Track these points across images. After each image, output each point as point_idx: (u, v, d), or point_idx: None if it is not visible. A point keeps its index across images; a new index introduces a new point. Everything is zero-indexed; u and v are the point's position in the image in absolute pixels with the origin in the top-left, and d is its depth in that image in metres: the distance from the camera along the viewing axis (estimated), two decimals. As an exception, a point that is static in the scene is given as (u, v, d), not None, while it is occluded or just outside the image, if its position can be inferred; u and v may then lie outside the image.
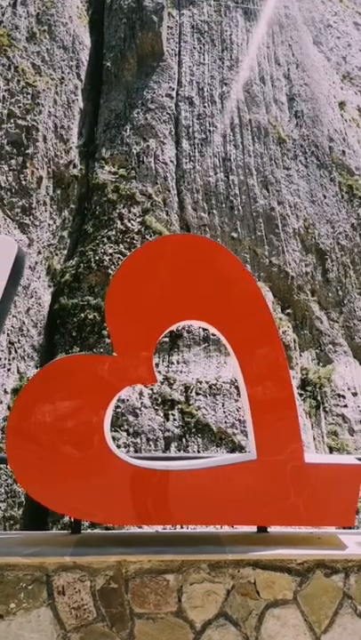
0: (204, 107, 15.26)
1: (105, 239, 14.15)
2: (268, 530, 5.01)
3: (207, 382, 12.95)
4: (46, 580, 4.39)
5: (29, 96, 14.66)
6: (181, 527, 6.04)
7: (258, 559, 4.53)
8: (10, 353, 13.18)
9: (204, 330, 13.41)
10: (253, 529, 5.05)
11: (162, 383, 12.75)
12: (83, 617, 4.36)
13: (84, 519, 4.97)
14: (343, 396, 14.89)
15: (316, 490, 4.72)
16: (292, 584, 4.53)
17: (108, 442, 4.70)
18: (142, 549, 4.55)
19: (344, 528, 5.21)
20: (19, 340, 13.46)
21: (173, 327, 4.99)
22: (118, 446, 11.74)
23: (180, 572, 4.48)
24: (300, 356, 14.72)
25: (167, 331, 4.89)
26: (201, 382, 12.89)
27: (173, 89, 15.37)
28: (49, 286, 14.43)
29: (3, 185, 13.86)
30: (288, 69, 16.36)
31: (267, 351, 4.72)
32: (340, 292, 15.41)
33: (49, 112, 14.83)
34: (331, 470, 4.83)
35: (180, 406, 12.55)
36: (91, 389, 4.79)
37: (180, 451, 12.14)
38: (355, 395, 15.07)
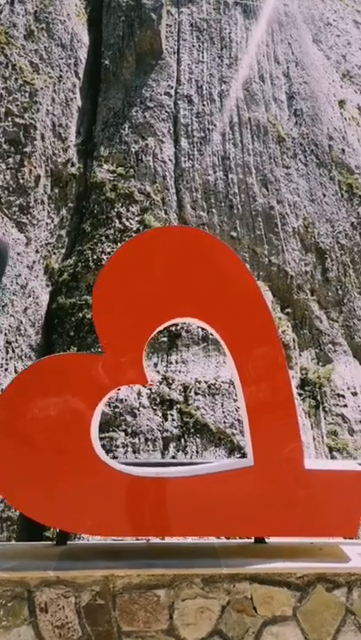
0: (203, 105, 14.90)
1: (103, 238, 13.81)
2: (266, 540, 4.63)
3: (206, 382, 12.65)
4: (28, 597, 4.02)
5: (27, 94, 14.31)
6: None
7: (255, 573, 4.15)
8: (7, 352, 12.86)
9: (203, 329, 13.10)
10: (250, 539, 4.68)
11: (160, 383, 12.46)
12: (67, 636, 3.98)
13: (66, 530, 4.58)
14: (343, 396, 14.54)
15: (316, 498, 4.35)
16: (291, 599, 4.16)
17: (95, 446, 4.33)
18: (131, 562, 4.17)
19: (345, 538, 4.82)
20: (16, 339, 13.14)
21: (166, 325, 4.61)
22: (116, 446, 11.44)
23: (171, 588, 4.11)
24: (300, 355, 14.36)
25: (160, 329, 4.51)
26: (200, 382, 12.58)
27: (172, 87, 15.00)
28: (47, 285, 14.09)
29: (0, 183, 13.53)
30: (288, 68, 15.98)
31: (265, 351, 4.35)
32: (340, 292, 15.05)
33: (47, 110, 14.49)
34: (333, 477, 4.46)
35: (178, 406, 12.24)
36: (78, 390, 4.42)
37: (178, 451, 11.83)
38: (355, 394, 14.72)
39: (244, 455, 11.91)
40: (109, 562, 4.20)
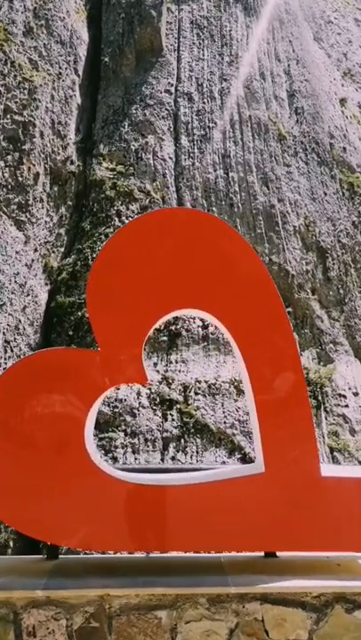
0: (204, 103, 14.43)
1: (103, 236, 13.40)
2: (278, 554, 4.12)
3: (206, 382, 12.29)
4: (14, 619, 3.51)
5: (26, 91, 13.88)
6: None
7: (266, 592, 3.64)
8: (5, 352, 12.46)
9: (204, 328, 12.77)
10: (260, 553, 4.17)
11: (160, 383, 12.11)
12: (57, 664, 3.47)
13: (55, 543, 4.06)
14: (344, 396, 14.12)
15: (334, 508, 3.83)
16: (307, 621, 3.64)
17: (90, 450, 3.82)
18: (129, 580, 3.66)
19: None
20: (14, 338, 12.76)
21: (169, 317, 4.10)
22: (115, 447, 11.12)
23: (173, 608, 3.59)
24: (301, 355, 13.92)
25: (162, 322, 4.01)
26: (200, 382, 12.22)
27: (172, 85, 14.55)
28: (45, 284, 13.68)
29: (-1, 181, 13.15)
30: (288, 65, 15.53)
31: (278, 348, 3.83)
32: (341, 291, 14.60)
33: (46, 108, 14.05)
34: (352, 485, 3.94)
35: (178, 406, 11.89)
36: (71, 389, 3.91)
37: (178, 451, 11.47)
38: (356, 395, 14.29)
39: (244, 456, 11.52)
40: (105, 579, 3.70)
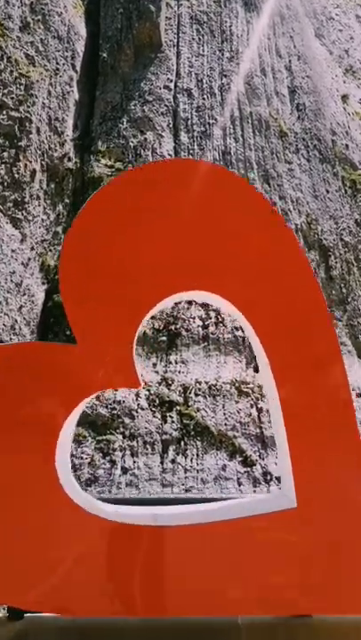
0: (204, 99, 13.44)
1: (101, 235, 12.39)
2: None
3: (207, 383, 11.48)
4: None
5: (23, 87, 12.94)
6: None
7: (300, 670, 2.53)
8: (1, 352, 11.48)
9: (204, 328, 11.88)
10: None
11: (159, 384, 11.30)
12: None
13: (12, 604, 2.91)
14: (347, 397, 13.11)
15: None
16: None
17: (62, 477, 2.72)
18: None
19: None
20: (11, 338, 11.90)
21: (168, 303, 2.99)
22: (113, 450, 10.33)
23: None
24: (303, 355, 12.88)
25: (158, 308, 2.90)
26: (200, 383, 11.40)
27: (172, 81, 13.59)
28: (42, 283, 12.76)
29: (-6, 178, 12.24)
30: (289, 61, 14.57)
31: (314, 344, 2.73)
32: (344, 290, 13.60)
33: (43, 104, 13.10)
34: None
35: (178, 408, 11.12)
36: (43, 394, 2.80)
37: (178, 454, 10.66)
38: (359, 395, 13.27)
39: (246, 459, 10.62)
40: (83, 653, 2.57)
